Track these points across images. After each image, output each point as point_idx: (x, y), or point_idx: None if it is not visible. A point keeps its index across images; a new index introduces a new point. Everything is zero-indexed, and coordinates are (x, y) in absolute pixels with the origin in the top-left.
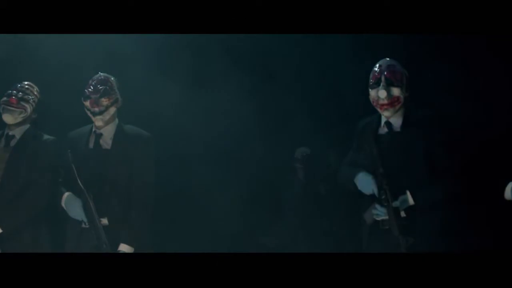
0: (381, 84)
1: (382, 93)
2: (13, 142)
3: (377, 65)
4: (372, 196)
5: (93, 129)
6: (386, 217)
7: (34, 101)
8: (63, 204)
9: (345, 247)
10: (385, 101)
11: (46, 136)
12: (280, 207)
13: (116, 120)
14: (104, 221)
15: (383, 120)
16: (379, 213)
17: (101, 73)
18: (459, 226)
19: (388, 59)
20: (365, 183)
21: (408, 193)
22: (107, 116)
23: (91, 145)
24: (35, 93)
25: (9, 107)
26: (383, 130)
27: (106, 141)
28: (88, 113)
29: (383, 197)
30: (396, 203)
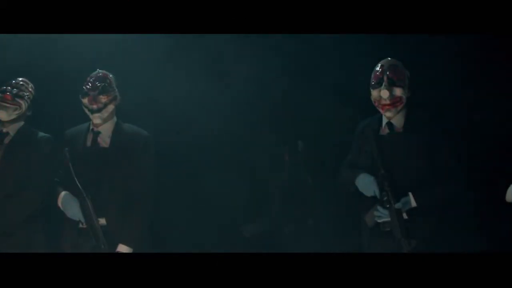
0: (383, 84)
1: (385, 93)
2: (7, 140)
3: (379, 65)
4: (373, 197)
5: (91, 127)
6: (388, 219)
7: (29, 98)
8: (59, 204)
9: (338, 246)
10: (387, 101)
11: (41, 134)
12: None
13: (115, 118)
14: (102, 221)
15: (384, 121)
16: (381, 215)
17: (100, 70)
18: (461, 227)
19: (389, 58)
20: (367, 184)
21: (410, 194)
22: (105, 113)
23: (88, 143)
24: (30, 89)
25: (3, 104)
26: (385, 131)
27: (104, 140)
28: (86, 110)
29: (385, 198)
30: (398, 205)
